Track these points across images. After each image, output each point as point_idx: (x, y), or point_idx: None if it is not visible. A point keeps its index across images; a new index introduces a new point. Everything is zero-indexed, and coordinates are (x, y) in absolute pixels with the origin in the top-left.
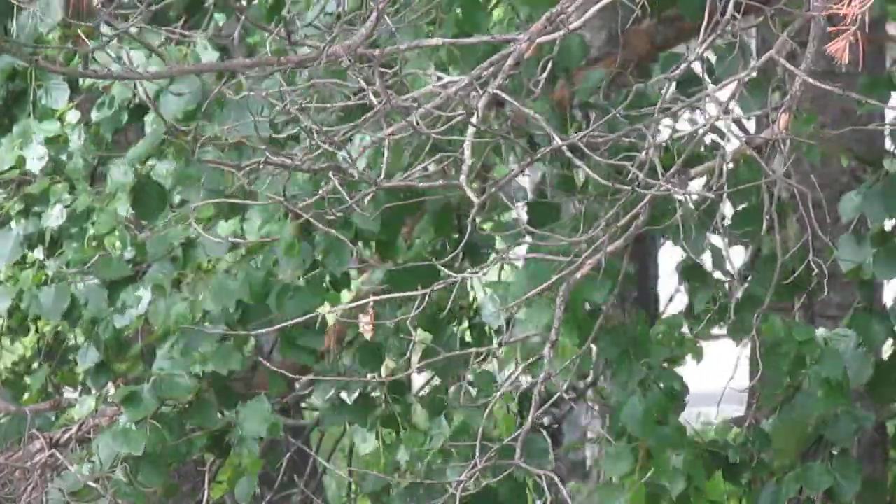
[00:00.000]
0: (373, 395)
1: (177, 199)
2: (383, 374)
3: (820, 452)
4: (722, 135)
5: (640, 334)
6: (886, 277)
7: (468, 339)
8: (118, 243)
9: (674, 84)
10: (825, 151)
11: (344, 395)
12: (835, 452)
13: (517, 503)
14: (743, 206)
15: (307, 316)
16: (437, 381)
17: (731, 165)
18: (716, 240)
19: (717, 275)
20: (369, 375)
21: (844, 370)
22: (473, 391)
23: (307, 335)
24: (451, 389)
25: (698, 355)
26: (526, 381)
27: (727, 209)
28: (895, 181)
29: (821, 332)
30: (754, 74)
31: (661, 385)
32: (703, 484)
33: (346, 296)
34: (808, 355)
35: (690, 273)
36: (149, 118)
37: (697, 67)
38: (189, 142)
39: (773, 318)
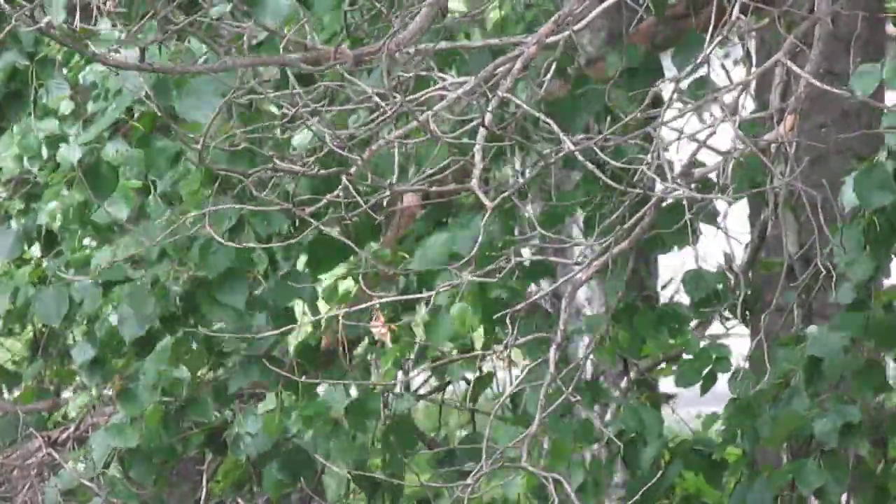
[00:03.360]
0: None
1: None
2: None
3: (812, 450)
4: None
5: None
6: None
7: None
8: (57, 219)
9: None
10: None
11: None
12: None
13: None
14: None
15: (309, 321)
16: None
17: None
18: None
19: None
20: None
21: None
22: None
23: (229, 292)
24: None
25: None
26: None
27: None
28: (871, 170)
29: (812, 328)
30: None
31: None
32: (601, 479)
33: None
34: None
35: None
36: (95, 105)
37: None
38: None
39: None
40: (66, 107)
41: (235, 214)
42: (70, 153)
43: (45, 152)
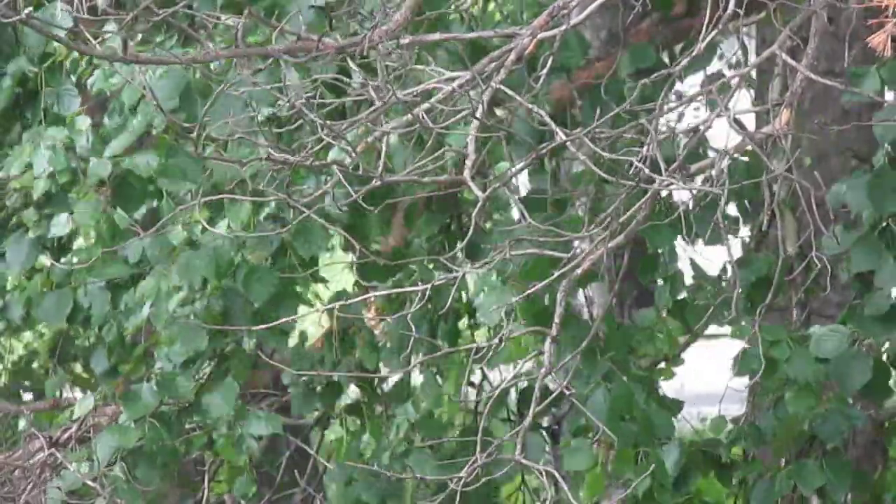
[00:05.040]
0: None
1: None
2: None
3: (814, 450)
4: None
5: (608, 329)
6: (861, 267)
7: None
8: (92, 232)
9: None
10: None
11: None
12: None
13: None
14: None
15: (305, 314)
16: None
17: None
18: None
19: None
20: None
21: (821, 370)
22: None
23: (276, 318)
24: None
25: (676, 360)
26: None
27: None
28: (881, 174)
29: (815, 328)
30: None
31: (627, 380)
32: (666, 481)
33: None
34: (779, 357)
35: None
36: (111, 121)
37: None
38: (183, 135)
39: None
40: (82, 122)
41: (277, 239)
42: (100, 168)
43: (59, 162)
